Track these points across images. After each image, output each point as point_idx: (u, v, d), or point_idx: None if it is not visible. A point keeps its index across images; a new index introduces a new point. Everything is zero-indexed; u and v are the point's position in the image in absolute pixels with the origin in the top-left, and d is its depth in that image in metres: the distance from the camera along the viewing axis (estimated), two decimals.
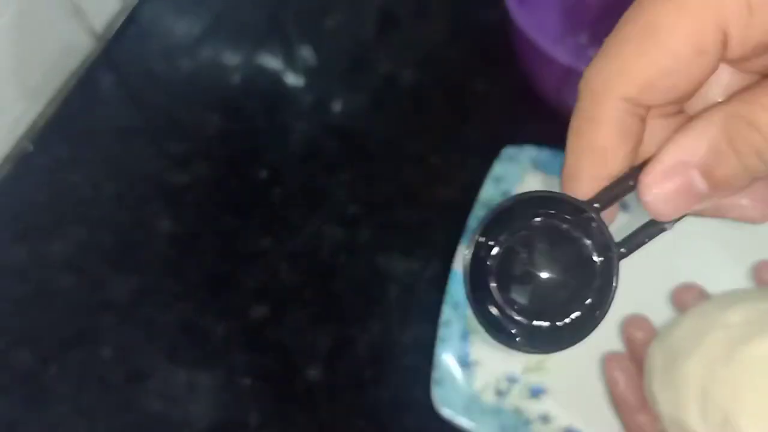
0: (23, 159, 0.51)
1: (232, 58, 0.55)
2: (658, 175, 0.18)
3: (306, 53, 0.55)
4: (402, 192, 0.47)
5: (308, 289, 0.44)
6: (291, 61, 0.54)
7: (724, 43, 0.17)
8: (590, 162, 0.19)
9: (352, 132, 0.50)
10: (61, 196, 0.49)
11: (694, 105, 0.20)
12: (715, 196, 0.18)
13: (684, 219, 0.20)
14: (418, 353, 0.41)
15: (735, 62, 0.18)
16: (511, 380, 0.38)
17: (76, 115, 0.53)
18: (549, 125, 0.49)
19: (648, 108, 0.19)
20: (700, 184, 0.18)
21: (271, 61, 0.54)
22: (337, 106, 0.51)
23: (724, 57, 0.17)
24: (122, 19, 0.57)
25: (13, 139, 0.52)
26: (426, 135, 0.49)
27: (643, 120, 0.19)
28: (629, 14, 0.18)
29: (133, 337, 0.43)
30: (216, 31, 0.56)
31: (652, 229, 0.20)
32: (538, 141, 0.48)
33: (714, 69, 0.18)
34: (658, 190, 0.18)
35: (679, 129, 0.18)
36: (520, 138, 0.48)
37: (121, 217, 0.48)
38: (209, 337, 0.43)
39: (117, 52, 0.56)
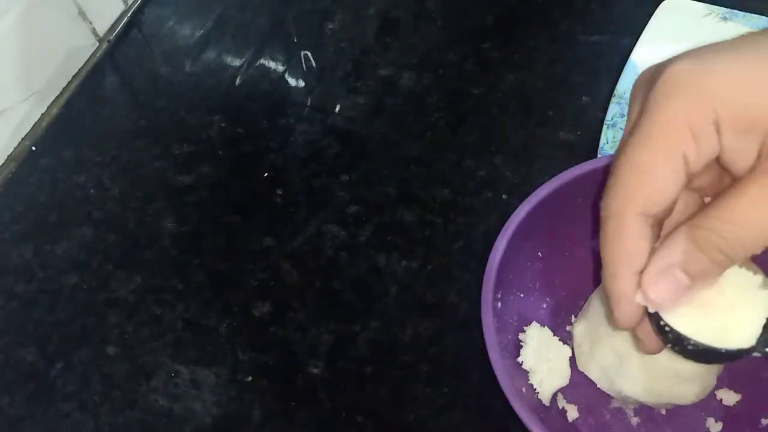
0: (28, 159, 0.51)
1: (234, 61, 0.55)
2: (653, 277, 0.26)
3: (307, 56, 0.55)
4: (402, 192, 0.48)
5: (310, 287, 0.45)
6: (293, 63, 0.55)
7: (687, 166, 0.25)
8: (624, 264, 0.26)
9: (352, 133, 0.51)
10: (65, 196, 0.49)
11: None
12: (698, 286, 0.26)
13: None
14: (417, 351, 0.42)
15: (690, 180, 0.26)
16: None
17: (80, 116, 0.53)
18: (542, 128, 0.49)
19: (655, 216, 0.26)
20: (683, 278, 0.25)
21: (273, 64, 0.55)
22: (337, 108, 0.52)
23: (688, 172, 0.25)
24: (126, 21, 0.58)
25: (17, 139, 0.52)
26: (425, 136, 0.50)
27: (653, 226, 0.26)
28: (625, 155, 0.25)
29: (138, 335, 0.44)
30: (219, 33, 0.57)
31: None
32: (533, 143, 0.49)
33: (685, 181, 0.25)
34: (655, 287, 0.26)
35: (660, 242, 0.26)
36: (514, 140, 0.49)
37: (125, 217, 0.48)
38: (212, 335, 0.43)
39: (120, 54, 0.57)
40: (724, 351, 0.27)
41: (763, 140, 0.24)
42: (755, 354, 0.28)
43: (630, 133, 0.26)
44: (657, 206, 0.25)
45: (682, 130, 0.24)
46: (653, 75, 0.26)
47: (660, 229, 0.27)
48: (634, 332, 0.29)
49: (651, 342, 0.29)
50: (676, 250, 0.25)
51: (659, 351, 0.29)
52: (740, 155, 0.25)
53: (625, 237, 0.26)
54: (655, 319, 0.28)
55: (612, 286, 0.27)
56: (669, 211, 0.26)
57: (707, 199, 0.29)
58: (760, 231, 0.24)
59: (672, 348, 0.28)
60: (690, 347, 0.28)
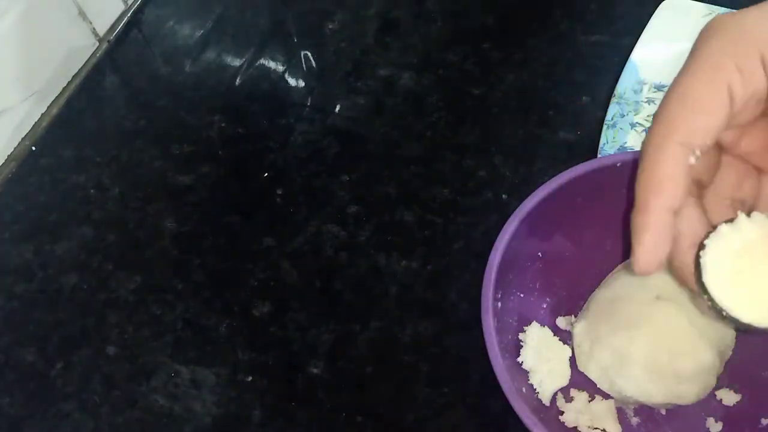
0: (28, 159, 0.51)
1: (234, 61, 0.55)
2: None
3: (307, 56, 0.55)
4: (402, 192, 0.48)
5: (310, 287, 0.45)
6: (293, 63, 0.55)
7: (732, 100, 0.25)
8: (656, 193, 0.25)
9: (352, 133, 0.51)
10: (65, 196, 0.49)
11: None
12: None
13: None
14: (417, 351, 0.42)
15: (734, 115, 0.26)
16: None
17: (80, 117, 0.53)
18: (542, 128, 0.49)
19: (693, 150, 0.25)
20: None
21: (273, 64, 0.55)
22: (337, 108, 0.52)
23: (732, 110, 0.25)
24: (126, 21, 0.58)
25: (17, 139, 0.52)
26: (425, 136, 0.50)
27: (690, 160, 0.25)
28: (670, 90, 0.26)
29: (138, 335, 0.44)
30: (219, 33, 0.57)
31: None
32: (533, 143, 0.49)
33: (728, 119, 0.25)
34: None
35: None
36: (514, 140, 0.49)
37: (125, 217, 0.48)
38: (212, 335, 0.43)
39: (120, 54, 0.57)
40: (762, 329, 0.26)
41: None
42: None
43: (679, 73, 0.26)
44: (699, 136, 0.25)
45: (725, 63, 0.25)
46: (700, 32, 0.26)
47: (701, 194, 0.27)
48: (636, 247, 0.26)
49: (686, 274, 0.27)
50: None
51: (652, 272, 0.27)
52: None
53: (662, 165, 0.25)
54: (699, 287, 0.26)
55: (639, 219, 0.26)
56: (709, 146, 0.25)
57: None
58: None
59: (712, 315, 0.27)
60: (731, 324, 0.26)
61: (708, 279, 0.26)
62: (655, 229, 0.25)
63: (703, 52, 0.25)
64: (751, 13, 0.25)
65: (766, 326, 0.26)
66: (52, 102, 0.54)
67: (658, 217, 0.25)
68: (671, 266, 0.28)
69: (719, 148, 0.28)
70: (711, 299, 0.26)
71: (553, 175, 0.37)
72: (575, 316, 0.40)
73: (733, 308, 0.26)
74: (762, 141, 0.27)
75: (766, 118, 0.27)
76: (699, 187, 0.28)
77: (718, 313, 0.26)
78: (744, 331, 0.27)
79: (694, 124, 0.25)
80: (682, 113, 0.25)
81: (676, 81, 0.26)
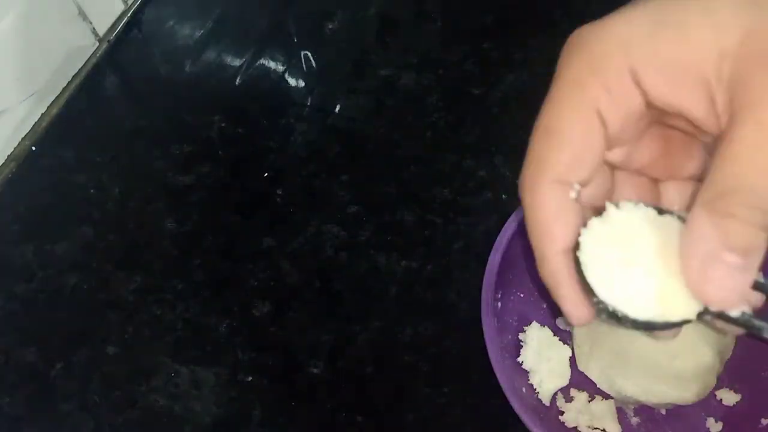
0: (28, 159, 0.51)
1: (234, 61, 0.55)
2: (698, 271, 0.21)
3: (307, 56, 0.55)
4: (402, 192, 0.48)
5: (310, 287, 0.45)
6: (293, 63, 0.55)
7: (605, 124, 0.22)
8: (548, 241, 0.23)
9: (352, 133, 0.51)
10: (66, 197, 0.49)
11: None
12: (755, 260, 0.21)
13: None
14: (417, 351, 0.42)
15: (615, 136, 0.23)
16: None
17: (80, 117, 0.53)
18: None
19: (571, 185, 0.23)
20: (735, 259, 0.20)
21: (273, 64, 0.55)
22: (338, 108, 0.52)
23: (608, 134, 0.23)
24: (125, 21, 0.58)
25: (17, 139, 0.52)
26: (425, 136, 0.50)
27: (571, 195, 0.23)
28: (536, 122, 0.24)
29: (138, 335, 0.44)
30: (219, 33, 0.57)
31: None
32: None
33: (604, 145, 0.23)
34: (710, 282, 0.21)
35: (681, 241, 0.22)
36: (514, 140, 0.49)
37: (125, 217, 0.48)
38: (212, 335, 0.43)
39: (120, 54, 0.57)
40: (661, 323, 0.23)
41: (706, 88, 0.21)
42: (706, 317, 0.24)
43: (545, 101, 0.24)
44: (573, 171, 0.23)
45: (590, 84, 0.22)
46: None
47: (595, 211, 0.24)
48: (559, 302, 0.25)
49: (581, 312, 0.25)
50: (705, 233, 0.21)
51: (589, 321, 0.25)
52: (675, 93, 0.22)
53: (542, 209, 0.23)
54: (585, 288, 0.24)
55: (544, 271, 0.24)
56: (588, 176, 0.23)
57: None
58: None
59: (608, 321, 0.24)
60: (626, 324, 0.24)
61: (591, 279, 0.23)
62: (566, 281, 0.23)
63: (564, 74, 0.23)
64: (615, 21, 0.22)
65: (665, 321, 0.23)
66: (52, 102, 0.54)
67: (561, 266, 0.23)
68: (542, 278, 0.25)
69: (611, 167, 0.26)
70: (601, 301, 0.24)
71: None
72: None
73: (626, 308, 0.23)
74: (652, 153, 0.25)
75: (654, 126, 0.24)
76: (598, 213, 0.25)
77: (611, 315, 0.24)
78: (645, 330, 0.24)
79: (563, 159, 0.22)
80: (548, 149, 0.23)
81: (541, 111, 0.23)
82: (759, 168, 0.20)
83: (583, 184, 0.23)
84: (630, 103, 0.22)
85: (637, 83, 0.22)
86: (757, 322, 0.23)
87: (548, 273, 0.24)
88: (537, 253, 0.24)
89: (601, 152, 0.23)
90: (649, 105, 0.23)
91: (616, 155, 0.25)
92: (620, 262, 0.24)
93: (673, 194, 0.27)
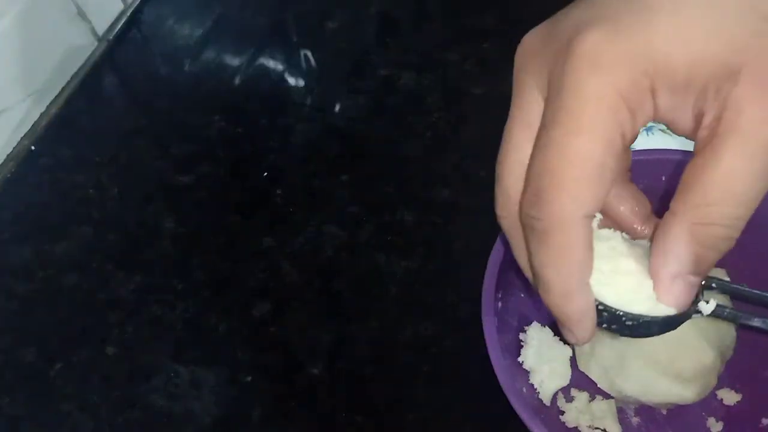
0: (27, 159, 0.51)
1: (234, 60, 0.55)
2: (667, 286, 0.24)
3: (307, 56, 0.55)
4: (402, 192, 0.48)
5: (309, 287, 0.44)
6: (292, 63, 0.55)
7: (624, 142, 0.22)
8: (580, 278, 0.24)
9: (352, 133, 0.51)
10: (65, 196, 0.49)
11: None
12: (706, 271, 0.24)
13: None
14: (417, 351, 0.42)
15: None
16: None
17: (80, 116, 0.53)
18: None
19: (594, 216, 0.23)
20: (695, 280, 0.24)
21: (273, 64, 0.55)
22: (337, 108, 0.52)
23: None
24: (125, 20, 0.58)
25: (16, 139, 0.52)
26: (425, 136, 0.50)
27: (594, 226, 0.24)
28: (550, 157, 0.22)
29: (138, 335, 0.43)
30: (218, 33, 0.57)
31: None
32: None
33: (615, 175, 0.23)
34: (672, 296, 0.24)
35: (655, 249, 0.24)
36: None
37: (124, 217, 0.48)
38: (212, 335, 0.43)
39: (120, 54, 0.57)
40: (660, 319, 0.25)
41: (696, 99, 0.21)
42: (694, 316, 0.26)
43: (549, 125, 0.22)
44: (601, 202, 0.22)
45: (618, 107, 0.21)
46: (556, 52, 0.23)
47: None
48: (563, 325, 0.26)
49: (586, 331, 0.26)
50: (681, 253, 0.23)
51: (591, 338, 0.26)
52: (678, 116, 0.22)
53: (577, 247, 0.23)
54: None
55: (568, 306, 0.24)
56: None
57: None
58: (752, 194, 0.21)
59: (608, 328, 0.26)
60: (628, 323, 0.25)
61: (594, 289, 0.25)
62: (590, 312, 0.24)
63: (589, 97, 0.21)
64: (633, 27, 0.21)
65: (656, 315, 0.25)
66: (52, 102, 0.54)
67: (589, 298, 0.24)
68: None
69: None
70: (605, 308, 0.25)
71: None
72: None
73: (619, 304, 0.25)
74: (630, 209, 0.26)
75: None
76: None
77: (612, 320, 0.25)
78: (643, 334, 0.26)
79: (599, 191, 0.22)
80: (584, 181, 0.22)
81: (561, 139, 0.22)
82: (736, 194, 0.21)
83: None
84: (646, 121, 0.22)
85: (654, 97, 0.22)
86: (740, 314, 0.27)
87: (574, 308, 0.24)
88: (561, 289, 0.24)
89: (616, 175, 0.23)
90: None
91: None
92: (610, 271, 0.25)
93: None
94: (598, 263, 0.24)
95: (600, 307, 0.25)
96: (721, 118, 0.21)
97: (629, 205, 0.27)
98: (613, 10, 0.22)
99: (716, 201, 0.21)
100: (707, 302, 0.27)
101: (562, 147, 0.22)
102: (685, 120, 0.22)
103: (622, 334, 0.26)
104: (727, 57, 0.21)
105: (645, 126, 0.23)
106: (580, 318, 0.24)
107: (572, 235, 0.22)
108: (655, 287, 0.24)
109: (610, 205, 0.27)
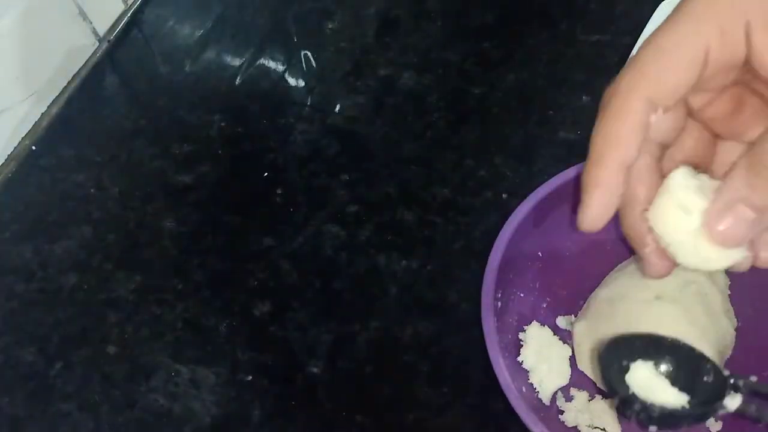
0: (28, 159, 0.51)
1: (234, 61, 0.55)
2: (718, 211, 0.25)
3: (307, 56, 0.55)
4: (402, 192, 0.48)
5: (309, 287, 0.45)
6: (293, 63, 0.55)
7: (707, 62, 0.24)
8: (615, 147, 0.25)
9: (352, 133, 0.51)
10: (65, 196, 0.49)
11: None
12: (765, 221, 0.24)
13: None
14: (417, 351, 0.42)
15: (706, 79, 0.25)
16: None
17: (80, 116, 0.53)
18: (542, 127, 0.49)
19: (657, 107, 0.25)
20: (747, 213, 0.24)
21: (273, 64, 0.55)
22: (337, 108, 0.52)
23: (704, 73, 0.24)
24: (126, 21, 0.58)
25: (17, 139, 0.52)
26: (425, 136, 0.50)
27: (652, 119, 0.25)
28: (645, 43, 0.25)
29: (138, 335, 0.43)
30: (218, 33, 0.57)
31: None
32: (533, 143, 0.49)
33: (697, 78, 0.24)
34: (720, 224, 0.25)
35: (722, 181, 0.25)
36: (514, 140, 0.49)
37: (125, 217, 0.48)
38: (212, 335, 0.43)
39: (120, 54, 0.57)
40: (688, 413, 0.28)
41: None
42: (720, 412, 0.28)
43: (660, 25, 0.25)
44: (666, 94, 0.24)
45: (709, 22, 0.24)
46: None
47: (662, 157, 0.26)
48: (639, 252, 0.27)
49: (657, 264, 0.27)
50: (737, 184, 0.24)
51: (668, 273, 0.28)
52: None
53: (625, 119, 0.24)
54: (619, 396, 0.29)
55: (593, 172, 0.25)
56: (672, 107, 0.25)
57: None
58: None
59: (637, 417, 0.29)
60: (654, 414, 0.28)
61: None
62: (607, 185, 0.25)
63: (688, 7, 0.24)
64: None
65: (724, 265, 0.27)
66: (52, 102, 0.54)
67: (612, 172, 0.25)
68: (623, 230, 0.27)
69: (686, 111, 0.27)
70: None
71: (553, 175, 0.37)
72: (575, 316, 0.40)
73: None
74: (726, 109, 0.27)
75: (733, 86, 0.26)
76: (661, 149, 0.27)
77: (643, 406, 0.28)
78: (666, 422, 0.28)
79: (664, 79, 0.24)
80: (654, 67, 0.24)
81: (657, 32, 0.25)
82: None
83: (665, 111, 0.25)
84: (735, 50, 0.24)
85: (748, 36, 0.24)
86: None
87: (597, 176, 0.25)
88: (596, 154, 0.25)
89: (693, 85, 0.25)
90: (746, 62, 0.24)
91: (696, 100, 0.27)
92: (675, 207, 0.26)
93: (728, 155, 0.28)
94: (684, 194, 0.26)
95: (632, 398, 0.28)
96: None
97: (692, 140, 0.28)
98: None
99: None
100: (732, 397, 0.28)
101: (654, 37, 0.25)
102: None
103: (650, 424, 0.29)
104: None
105: (729, 59, 0.24)
106: (595, 187, 0.25)
107: (626, 106, 0.24)
108: (707, 217, 0.25)
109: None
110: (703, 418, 0.29)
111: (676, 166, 0.27)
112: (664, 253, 0.27)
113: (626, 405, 0.29)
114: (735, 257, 0.26)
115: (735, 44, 0.24)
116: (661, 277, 0.28)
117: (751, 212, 0.24)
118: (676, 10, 0.25)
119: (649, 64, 0.24)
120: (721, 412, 0.28)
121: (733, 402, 0.28)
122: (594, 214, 0.25)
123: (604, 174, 0.25)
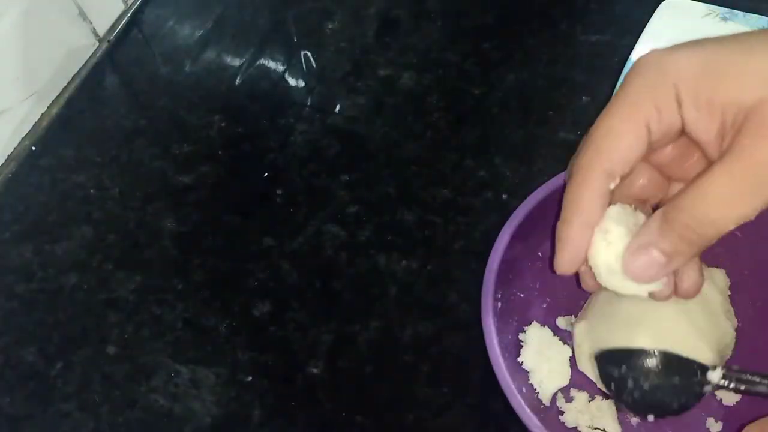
0: (28, 159, 0.51)
1: (234, 61, 0.55)
2: (633, 253, 0.29)
3: (307, 56, 0.55)
4: (402, 192, 0.48)
5: (310, 287, 0.45)
6: (293, 63, 0.55)
7: (650, 133, 0.28)
8: (578, 212, 0.29)
9: (352, 133, 0.51)
10: (65, 196, 0.49)
11: None
12: (674, 265, 0.28)
13: None
14: (417, 351, 0.42)
15: (653, 149, 0.29)
16: None
17: (81, 116, 0.54)
18: (542, 127, 0.49)
19: (614, 176, 0.29)
20: (659, 257, 0.28)
21: (273, 64, 0.55)
22: (337, 108, 0.52)
23: (649, 141, 0.28)
24: (126, 21, 0.58)
25: (17, 139, 0.52)
26: (425, 136, 0.50)
27: (610, 186, 0.29)
28: (598, 123, 0.29)
29: (138, 335, 0.44)
30: (219, 33, 0.57)
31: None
32: (533, 143, 0.49)
33: (645, 148, 0.29)
34: (634, 262, 0.29)
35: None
36: (514, 140, 0.49)
37: (125, 217, 0.48)
38: (212, 335, 0.43)
39: (121, 54, 0.57)
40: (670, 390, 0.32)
41: (721, 118, 0.27)
42: (706, 388, 0.32)
43: (610, 102, 0.29)
44: (619, 166, 0.29)
45: (645, 102, 0.28)
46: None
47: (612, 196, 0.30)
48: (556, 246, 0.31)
49: (586, 280, 0.32)
50: (652, 229, 0.28)
51: (594, 289, 0.32)
52: (702, 127, 0.27)
53: (587, 189, 0.29)
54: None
55: (563, 230, 0.30)
56: (628, 173, 0.29)
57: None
58: (729, 211, 0.26)
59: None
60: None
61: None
62: (573, 240, 0.29)
63: (627, 90, 0.28)
64: (675, 51, 0.28)
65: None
66: (52, 102, 0.54)
67: (578, 230, 0.29)
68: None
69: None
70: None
71: (553, 175, 0.37)
72: (575, 316, 0.40)
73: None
74: (674, 155, 0.31)
75: (680, 137, 0.30)
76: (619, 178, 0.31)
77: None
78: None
79: (616, 157, 0.28)
80: (606, 146, 0.28)
81: (604, 115, 0.29)
82: (715, 208, 0.26)
83: (623, 178, 0.29)
84: (672, 123, 0.28)
85: (679, 111, 0.28)
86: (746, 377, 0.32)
87: (565, 234, 0.30)
88: (565, 216, 0.30)
89: (642, 155, 0.29)
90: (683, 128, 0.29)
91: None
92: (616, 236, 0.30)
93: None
94: (610, 226, 0.30)
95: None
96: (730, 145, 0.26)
97: (644, 179, 0.32)
98: (677, 45, 0.28)
99: (695, 197, 0.27)
100: (714, 370, 0.32)
101: (601, 121, 0.29)
102: (709, 133, 0.27)
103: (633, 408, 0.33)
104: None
105: (667, 130, 0.28)
106: (565, 243, 0.30)
107: (587, 179, 0.29)
108: (625, 253, 0.29)
109: (632, 180, 0.32)
110: (692, 397, 0.31)
111: (629, 200, 0.31)
112: (590, 271, 0.31)
113: (620, 389, 0.32)
114: (650, 288, 0.30)
115: (670, 118, 0.28)
116: (590, 290, 0.33)
117: (662, 256, 0.28)
118: (618, 93, 0.29)
119: (602, 143, 0.29)
120: (707, 388, 0.32)
121: (715, 375, 0.32)
122: (566, 262, 0.30)
123: (572, 232, 0.29)
